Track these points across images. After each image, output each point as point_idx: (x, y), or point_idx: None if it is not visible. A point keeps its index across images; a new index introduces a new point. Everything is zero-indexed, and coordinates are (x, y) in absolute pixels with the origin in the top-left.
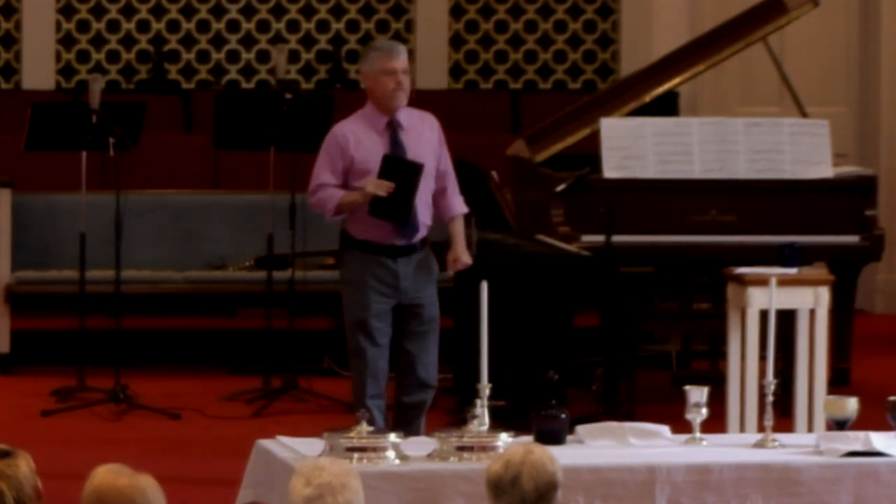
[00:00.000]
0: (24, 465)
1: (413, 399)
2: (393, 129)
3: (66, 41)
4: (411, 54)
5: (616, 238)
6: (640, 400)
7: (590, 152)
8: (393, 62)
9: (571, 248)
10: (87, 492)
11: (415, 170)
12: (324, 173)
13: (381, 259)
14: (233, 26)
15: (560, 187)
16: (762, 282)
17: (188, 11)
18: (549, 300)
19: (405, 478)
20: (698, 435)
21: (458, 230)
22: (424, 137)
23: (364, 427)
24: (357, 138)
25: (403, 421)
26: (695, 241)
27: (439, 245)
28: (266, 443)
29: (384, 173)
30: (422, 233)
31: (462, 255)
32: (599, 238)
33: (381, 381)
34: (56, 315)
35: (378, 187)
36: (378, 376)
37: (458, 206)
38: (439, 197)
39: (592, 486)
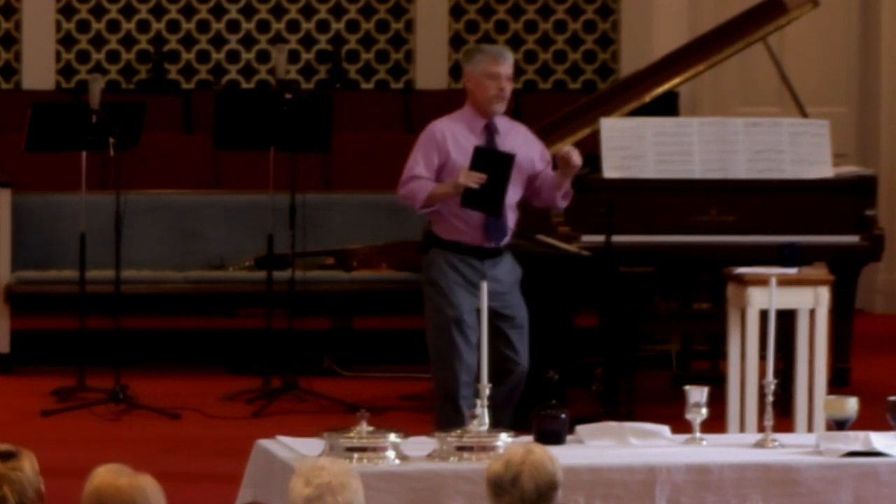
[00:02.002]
0: (28, 468)
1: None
2: (490, 132)
3: (66, 41)
4: (411, 54)
5: (616, 238)
6: (640, 400)
7: (590, 152)
8: (498, 67)
9: (571, 248)
10: (88, 492)
11: (507, 161)
12: (418, 166)
13: (469, 260)
14: (233, 26)
15: None
16: (762, 282)
17: (188, 11)
18: (549, 300)
19: (405, 478)
20: (698, 435)
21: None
22: (519, 145)
23: (364, 427)
24: (455, 137)
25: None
26: (695, 241)
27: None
28: (266, 443)
29: (476, 164)
30: (509, 237)
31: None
32: (599, 238)
33: (472, 378)
34: (56, 315)
35: (470, 178)
36: (471, 374)
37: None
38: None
39: (592, 486)
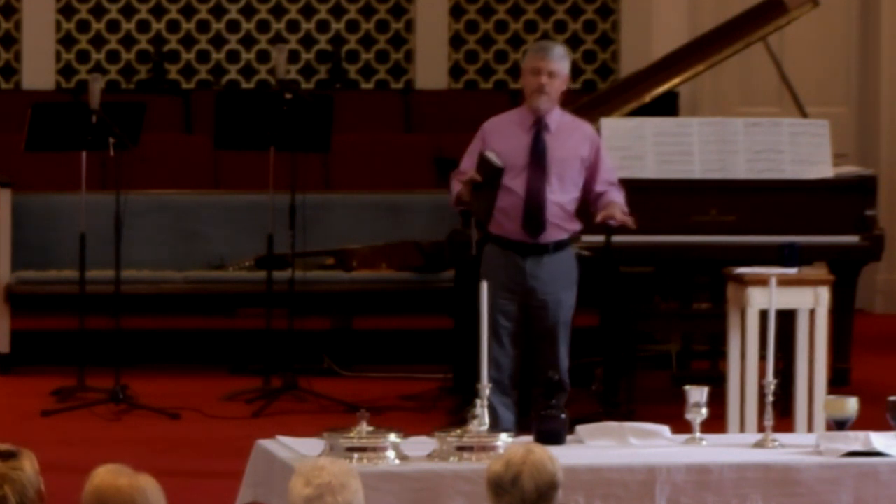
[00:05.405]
0: (28, 468)
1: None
2: (538, 128)
3: (66, 41)
4: (411, 54)
5: (616, 238)
6: (640, 400)
7: None
8: (540, 62)
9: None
10: (88, 492)
11: (497, 172)
12: (463, 161)
13: (512, 255)
14: (233, 26)
15: None
16: (762, 282)
17: (188, 11)
18: None
19: (405, 478)
20: (698, 435)
21: (612, 199)
22: (571, 144)
23: (364, 427)
24: (501, 130)
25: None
26: (695, 241)
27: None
28: (266, 443)
29: (478, 168)
30: (552, 234)
31: (616, 213)
32: (599, 238)
33: (503, 377)
34: (56, 315)
35: (468, 177)
36: (501, 372)
37: (617, 197)
38: (598, 200)
39: (592, 486)
